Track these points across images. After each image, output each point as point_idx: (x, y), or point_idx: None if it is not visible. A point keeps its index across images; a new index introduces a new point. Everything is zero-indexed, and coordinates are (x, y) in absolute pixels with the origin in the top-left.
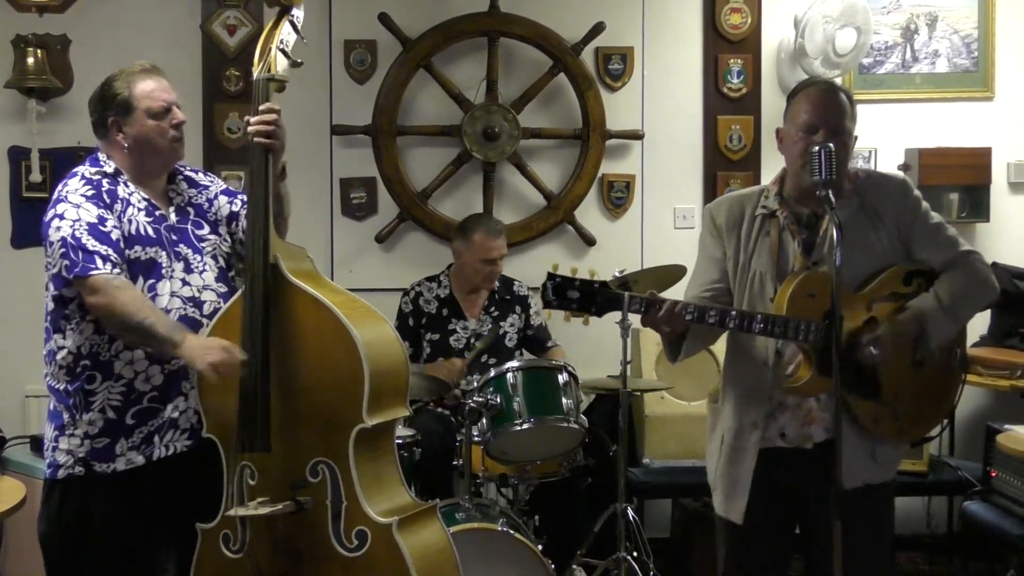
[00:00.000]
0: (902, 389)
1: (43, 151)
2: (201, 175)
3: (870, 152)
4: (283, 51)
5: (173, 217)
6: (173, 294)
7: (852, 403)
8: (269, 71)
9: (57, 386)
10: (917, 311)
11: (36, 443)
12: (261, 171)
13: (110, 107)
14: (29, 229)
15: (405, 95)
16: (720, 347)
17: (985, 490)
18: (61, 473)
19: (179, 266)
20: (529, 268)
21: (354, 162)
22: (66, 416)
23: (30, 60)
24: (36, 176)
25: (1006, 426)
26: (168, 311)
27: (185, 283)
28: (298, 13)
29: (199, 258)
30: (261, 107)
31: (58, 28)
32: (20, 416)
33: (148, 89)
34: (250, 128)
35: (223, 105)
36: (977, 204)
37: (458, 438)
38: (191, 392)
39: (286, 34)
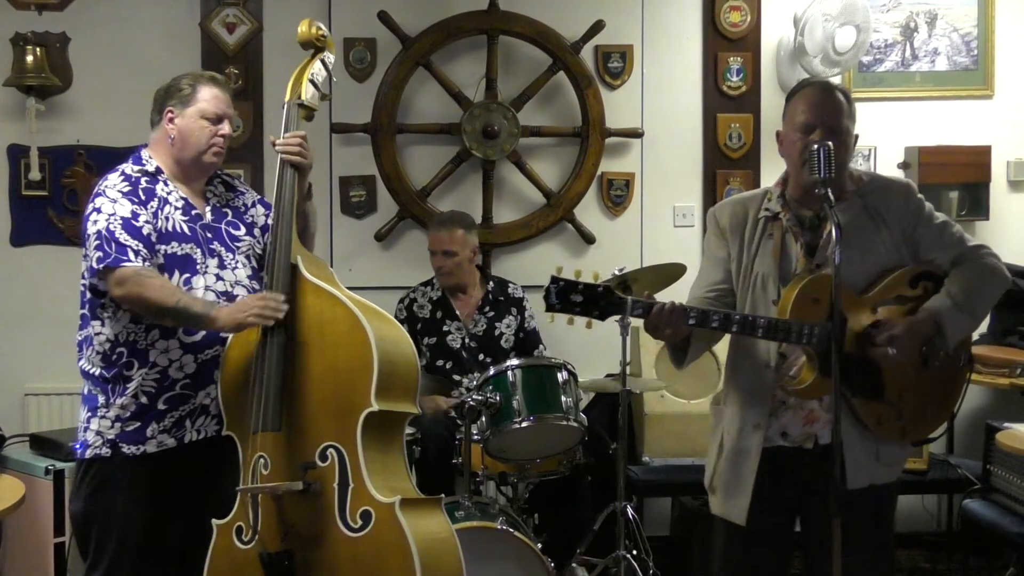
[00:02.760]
0: (906, 390)
1: (42, 149)
2: (237, 182)
3: (870, 150)
4: (312, 83)
5: (209, 215)
6: (207, 288)
7: (856, 405)
8: (299, 98)
9: (92, 371)
10: (932, 311)
11: (36, 441)
12: (286, 184)
13: (172, 97)
14: (28, 227)
15: (404, 93)
16: (721, 347)
17: (985, 488)
18: (89, 453)
19: (213, 262)
20: (529, 266)
21: (353, 160)
22: (101, 399)
23: (29, 58)
24: (35, 174)
25: (1006, 424)
26: None
27: (219, 278)
28: (330, 55)
29: (232, 256)
30: (287, 133)
31: (57, 26)
32: (19, 415)
33: (210, 95)
34: (276, 148)
35: None
36: (977, 202)
37: (458, 436)
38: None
39: (318, 70)
